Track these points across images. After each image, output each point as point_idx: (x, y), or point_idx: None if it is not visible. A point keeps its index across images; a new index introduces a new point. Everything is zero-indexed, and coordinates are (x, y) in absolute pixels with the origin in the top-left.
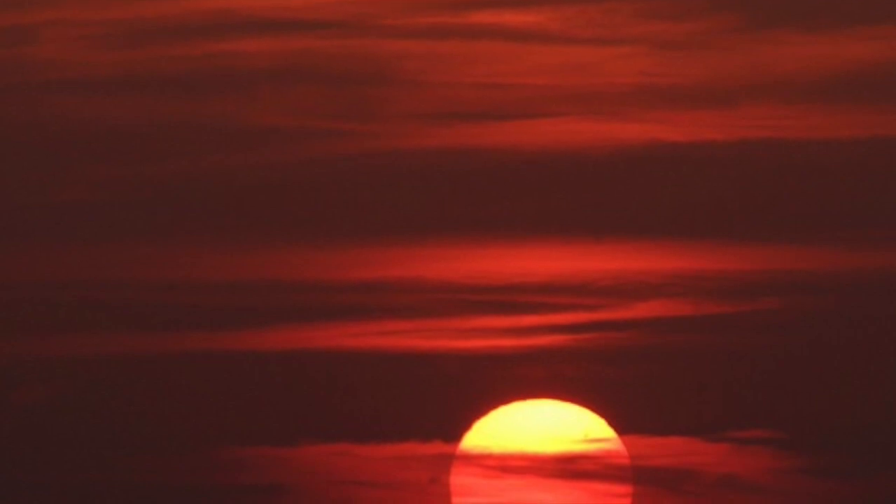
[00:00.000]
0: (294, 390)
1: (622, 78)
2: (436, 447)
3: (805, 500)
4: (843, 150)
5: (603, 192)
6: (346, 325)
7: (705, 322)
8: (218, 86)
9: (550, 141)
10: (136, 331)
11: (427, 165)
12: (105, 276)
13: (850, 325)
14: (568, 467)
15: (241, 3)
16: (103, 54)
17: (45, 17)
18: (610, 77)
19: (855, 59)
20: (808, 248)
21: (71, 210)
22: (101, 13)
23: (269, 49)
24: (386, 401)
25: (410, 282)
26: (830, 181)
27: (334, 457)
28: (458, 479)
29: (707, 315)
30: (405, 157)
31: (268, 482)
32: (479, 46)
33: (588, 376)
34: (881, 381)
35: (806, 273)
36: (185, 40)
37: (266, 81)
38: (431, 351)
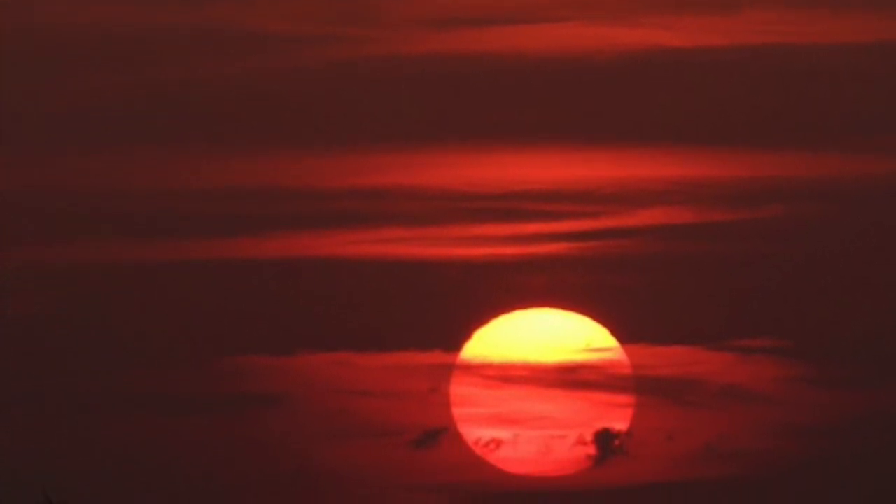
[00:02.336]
0: (292, 299)
1: None
2: (436, 356)
3: (810, 409)
4: (849, 56)
5: (605, 97)
6: (344, 232)
7: (709, 229)
8: None
9: (552, 46)
10: (131, 239)
11: (427, 71)
12: (100, 184)
13: (856, 233)
14: (569, 377)
15: None
16: None
17: None
18: None
19: None
20: (813, 155)
21: (66, 117)
22: None
23: None
24: (385, 309)
25: (410, 189)
26: (835, 87)
27: (332, 366)
28: (459, 388)
29: (710, 222)
30: (405, 62)
31: (265, 391)
32: None
33: (590, 285)
34: (888, 290)
35: (811, 180)
36: None
37: None
38: (431, 259)
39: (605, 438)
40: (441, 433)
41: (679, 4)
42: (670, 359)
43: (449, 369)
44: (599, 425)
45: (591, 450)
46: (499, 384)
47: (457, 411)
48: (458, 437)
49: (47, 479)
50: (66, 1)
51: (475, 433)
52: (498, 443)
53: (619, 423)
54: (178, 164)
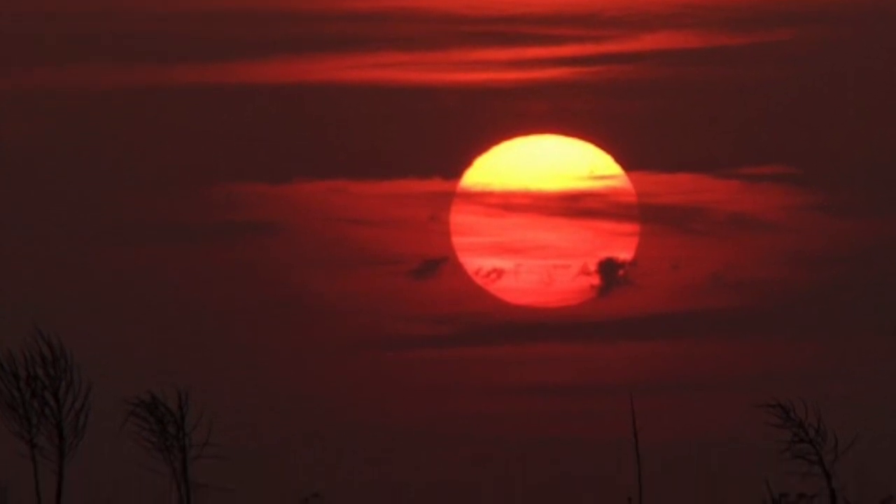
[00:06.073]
0: (288, 125)
1: None
2: (435, 184)
3: (818, 238)
4: None
5: None
6: (341, 56)
7: (716, 54)
8: None
9: None
10: (124, 64)
11: None
12: (91, 7)
13: (867, 57)
14: (572, 205)
15: None
16: None
17: None
18: None
19: None
20: None
21: None
22: None
23: None
24: (383, 136)
25: (409, 12)
26: None
27: (329, 194)
28: (459, 216)
29: (717, 46)
30: None
31: (261, 219)
32: None
33: (593, 110)
34: None
35: (821, 2)
36: None
37: None
38: (430, 84)
39: (609, 268)
40: (441, 262)
41: None
42: (676, 186)
43: (449, 197)
44: (603, 254)
45: (595, 279)
46: (500, 212)
47: (457, 240)
48: (458, 267)
49: (38, 308)
50: None
51: (476, 263)
52: (499, 272)
53: (624, 253)
54: None
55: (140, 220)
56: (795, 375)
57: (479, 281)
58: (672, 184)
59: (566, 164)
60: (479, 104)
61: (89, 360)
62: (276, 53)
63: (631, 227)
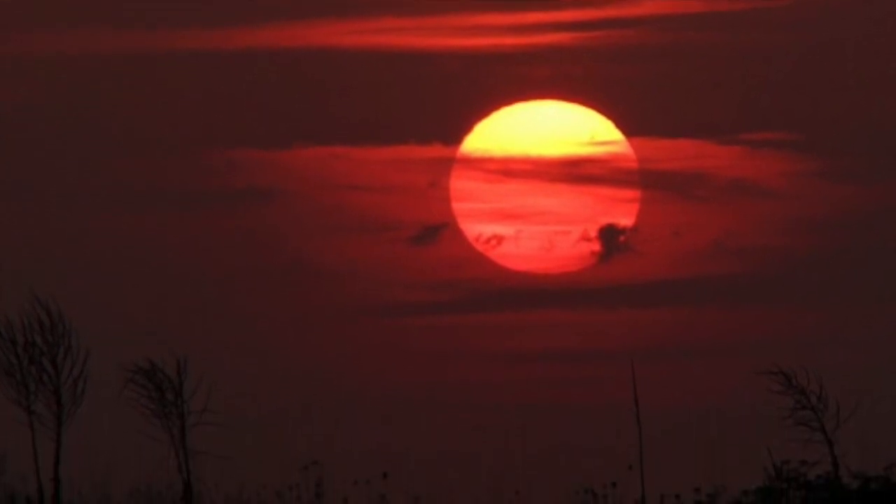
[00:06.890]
0: (287, 90)
1: None
2: (435, 150)
3: (821, 204)
4: None
5: None
6: (342, 22)
7: (718, 19)
8: None
9: None
10: (121, 28)
11: None
12: None
13: (871, 22)
14: (573, 171)
15: None
16: None
17: None
18: None
19: None
20: None
21: None
22: None
23: None
24: (383, 101)
25: None
26: None
27: (329, 160)
28: (459, 182)
29: (720, 11)
30: None
31: (260, 186)
32: None
33: (595, 76)
34: None
35: None
36: None
37: None
38: (431, 49)
39: (609, 234)
40: (440, 229)
41: None
42: (677, 152)
43: (449, 163)
44: (604, 221)
45: (596, 246)
46: (500, 178)
47: (457, 206)
48: (458, 233)
49: (35, 274)
50: None
51: (476, 229)
52: (499, 239)
53: (625, 219)
54: None
55: (138, 186)
56: (797, 342)
57: (479, 247)
58: (673, 150)
59: (567, 130)
60: (480, 69)
61: (87, 327)
62: (275, 18)
63: (632, 194)
